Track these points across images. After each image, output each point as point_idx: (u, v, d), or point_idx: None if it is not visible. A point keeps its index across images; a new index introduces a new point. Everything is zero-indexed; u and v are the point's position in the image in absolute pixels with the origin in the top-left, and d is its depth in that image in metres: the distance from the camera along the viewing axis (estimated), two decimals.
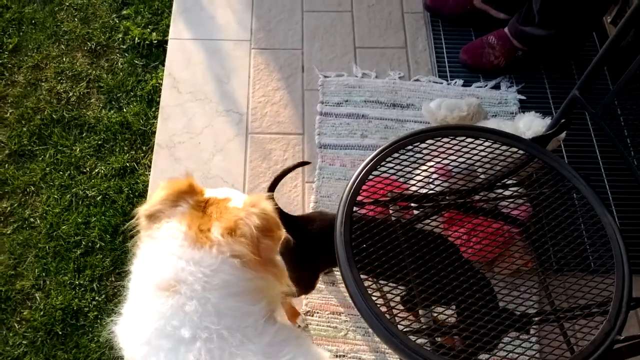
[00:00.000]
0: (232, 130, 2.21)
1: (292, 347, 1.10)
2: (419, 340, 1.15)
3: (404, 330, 1.17)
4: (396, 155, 1.40)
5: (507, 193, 1.46)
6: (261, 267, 1.14)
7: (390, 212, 1.36)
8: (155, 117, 2.29)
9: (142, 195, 2.13)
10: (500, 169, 1.41)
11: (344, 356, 1.76)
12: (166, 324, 1.06)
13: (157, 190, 1.22)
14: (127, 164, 2.21)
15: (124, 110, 2.34)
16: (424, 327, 1.18)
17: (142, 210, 1.20)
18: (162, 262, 1.11)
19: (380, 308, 1.18)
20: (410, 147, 1.41)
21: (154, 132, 2.25)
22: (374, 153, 1.38)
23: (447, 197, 1.44)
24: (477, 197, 1.49)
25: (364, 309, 1.18)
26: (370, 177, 1.34)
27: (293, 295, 1.40)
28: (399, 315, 1.21)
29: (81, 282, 1.97)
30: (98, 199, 2.13)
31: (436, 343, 1.16)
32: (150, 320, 1.07)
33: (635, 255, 1.92)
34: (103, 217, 2.09)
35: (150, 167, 2.17)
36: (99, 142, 2.26)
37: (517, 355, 1.15)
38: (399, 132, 2.16)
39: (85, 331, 1.89)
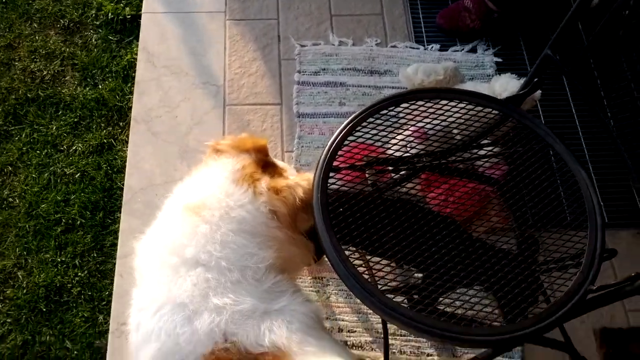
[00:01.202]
0: (209, 103, 2.20)
1: (287, 298, 1.15)
2: (396, 299, 1.17)
3: (382, 289, 1.19)
4: (371, 120, 1.40)
5: (482, 153, 1.47)
6: (290, 228, 1.26)
7: (367, 175, 1.37)
8: (131, 93, 2.27)
9: (120, 171, 2.11)
10: (475, 130, 1.42)
11: (327, 318, 1.78)
12: (177, 240, 1.15)
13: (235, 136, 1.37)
14: (105, 141, 2.19)
15: (100, 86, 2.32)
16: (400, 285, 1.20)
17: (212, 142, 1.36)
18: (200, 187, 1.24)
19: (359, 269, 1.20)
20: (385, 111, 1.41)
21: (131, 108, 2.23)
22: (350, 118, 1.39)
23: (423, 159, 1.45)
24: (453, 158, 1.50)
25: (341, 270, 1.19)
26: (347, 142, 1.35)
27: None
28: (376, 275, 1.23)
29: (63, 259, 1.97)
30: (76, 176, 2.12)
31: (413, 300, 1.18)
32: (167, 235, 1.19)
33: (611, 210, 1.96)
34: (82, 194, 2.08)
35: (127, 142, 2.15)
36: (75, 120, 2.24)
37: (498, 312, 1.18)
38: (377, 99, 2.15)
39: (70, 307, 1.90)
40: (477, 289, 1.19)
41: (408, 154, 1.45)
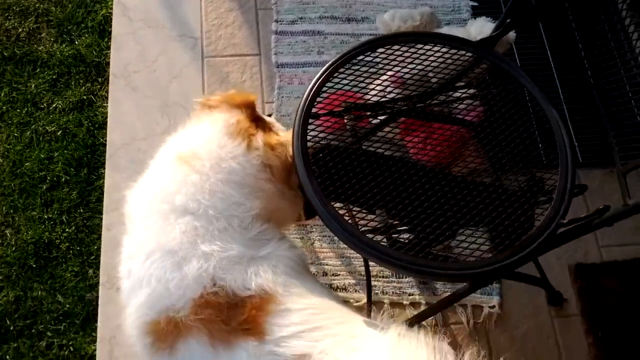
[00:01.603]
0: (187, 56, 2.19)
1: (273, 245, 1.20)
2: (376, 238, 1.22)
3: (362, 230, 1.23)
4: (349, 66, 1.42)
5: (457, 95, 1.50)
6: (284, 183, 1.30)
7: (345, 121, 1.40)
8: (109, 48, 2.25)
9: (102, 127, 2.12)
10: (450, 73, 1.44)
11: (312, 263, 1.84)
12: (168, 188, 1.19)
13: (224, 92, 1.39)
14: (84, 97, 2.18)
15: (76, 42, 2.29)
16: (379, 226, 1.24)
17: (202, 99, 1.38)
18: (192, 138, 1.27)
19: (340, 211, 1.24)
20: (362, 57, 1.43)
21: (108, 63, 2.22)
22: (327, 64, 1.41)
23: (400, 104, 1.47)
24: (430, 102, 1.53)
25: (323, 213, 1.23)
26: (325, 89, 1.37)
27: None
28: (357, 217, 1.27)
29: (50, 215, 1.99)
30: (58, 133, 2.12)
31: (392, 239, 1.23)
32: (158, 183, 1.22)
33: (585, 149, 2.01)
34: (65, 151, 2.09)
35: (107, 98, 2.15)
36: (54, 77, 2.23)
37: (472, 246, 1.23)
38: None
39: (59, 262, 1.93)
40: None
41: (385, 99, 1.48)
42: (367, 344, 1.06)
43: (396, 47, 1.42)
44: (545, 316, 1.81)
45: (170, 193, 1.18)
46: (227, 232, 1.16)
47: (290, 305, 1.11)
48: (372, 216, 1.28)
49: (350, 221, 1.26)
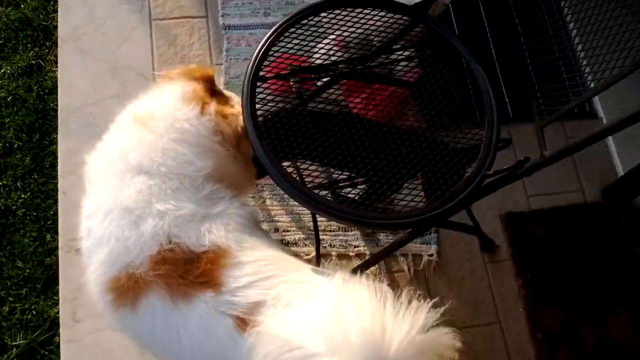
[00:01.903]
0: (135, 18, 2.21)
1: (224, 203, 1.26)
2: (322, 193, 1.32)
3: (309, 186, 1.33)
4: (293, 30, 1.49)
5: (393, 57, 1.60)
6: (234, 148, 1.36)
7: (291, 84, 1.48)
8: (55, 11, 2.24)
9: (52, 92, 2.13)
10: (388, 35, 1.54)
11: (264, 221, 1.94)
12: (124, 148, 1.25)
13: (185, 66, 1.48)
14: (33, 62, 2.19)
15: (22, 6, 2.28)
16: (324, 182, 1.34)
17: (163, 73, 1.45)
18: (149, 102, 1.33)
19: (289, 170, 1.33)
20: (305, 21, 1.50)
21: (56, 27, 2.22)
22: (273, 29, 1.47)
23: (341, 66, 1.56)
24: (370, 64, 1.62)
25: (272, 172, 1.32)
26: (271, 52, 1.44)
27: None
28: (304, 174, 1.37)
29: (4, 182, 2.02)
30: (9, 99, 2.13)
31: (336, 194, 1.33)
32: (115, 144, 1.28)
33: (517, 105, 2.16)
34: (16, 117, 2.10)
35: (56, 62, 2.16)
36: (0, 42, 2.21)
37: (408, 197, 1.34)
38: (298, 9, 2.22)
39: (17, 228, 1.96)
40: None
41: (328, 62, 1.56)
42: (315, 288, 1.15)
43: (338, 11, 1.49)
44: (480, 262, 1.97)
45: (126, 152, 1.24)
46: (180, 191, 1.22)
47: (243, 258, 1.18)
48: (318, 173, 1.37)
49: (294, 173, 1.35)
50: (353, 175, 1.38)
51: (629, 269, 1.94)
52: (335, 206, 1.29)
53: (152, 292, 1.15)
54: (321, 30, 1.53)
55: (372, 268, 1.90)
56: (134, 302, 1.17)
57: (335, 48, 1.73)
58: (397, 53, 1.58)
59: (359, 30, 1.53)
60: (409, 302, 1.08)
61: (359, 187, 1.47)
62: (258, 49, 1.43)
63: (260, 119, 1.36)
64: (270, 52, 1.43)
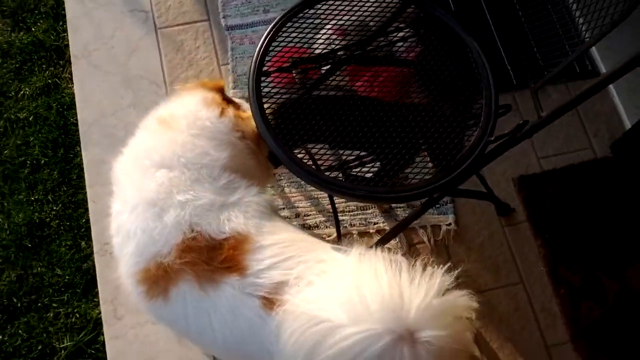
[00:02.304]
0: (141, 30, 2.30)
1: (241, 191, 1.34)
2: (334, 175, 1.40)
3: (322, 169, 1.41)
4: (290, 24, 1.56)
5: (390, 38, 1.65)
6: (254, 145, 1.45)
7: (294, 75, 1.55)
8: (65, 31, 2.34)
9: (70, 107, 2.23)
10: (381, 19, 1.59)
11: (284, 208, 2.02)
12: (148, 146, 1.35)
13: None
14: (49, 81, 2.29)
15: (33, 29, 2.38)
16: (334, 164, 1.41)
17: (178, 87, 1.55)
18: (172, 106, 1.43)
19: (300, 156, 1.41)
20: (301, 14, 1.57)
21: (67, 46, 2.31)
22: (271, 25, 1.55)
23: (340, 53, 1.62)
24: (367, 48, 1.68)
25: (285, 160, 1.40)
26: (272, 48, 1.51)
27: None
28: (315, 158, 1.44)
29: (36, 197, 2.13)
30: (30, 119, 2.24)
31: (347, 174, 1.41)
32: (141, 144, 1.38)
33: (519, 72, 2.19)
34: (40, 135, 2.21)
35: (72, 79, 2.26)
36: (17, 65, 2.33)
37: (416, 171, 1.41)
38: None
39: (52, 238, 2.08)
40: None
41: (327, 50, 1.62)
42: (333, 265, 1.23)
43: (331, 1, 1.55)
44: (497, 226, 2.03)
45: (150, 149, 1.34)
46: (198, 182, 1.30)
47: (263, 242, 1.25)
48: (328, 156, 1.44)
49: (305, 158, 1.42)
50: (363, 154, 1.45)
51: None
52: (347, 185, 1.37)
53: (181, 280, 1.23)
54: (317, 21, 1.59)
55: (392, 242, 1.97)
56: (165, 291, 1.24)
57: (334, 36, 1.80)
58: (393, 34, 1.63)
59: (354, 17, 1.59)
60: (424, 269, 1.14)
61: (373, 165, 1.53)
62: (259, 45, 1.50)
63: (268, 111, 1.44)
64: (271, 48, 1.50)
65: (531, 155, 2.12)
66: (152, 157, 1.32)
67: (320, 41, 1.64)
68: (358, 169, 1.42)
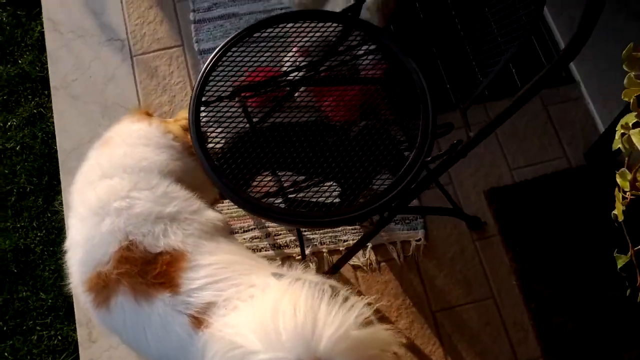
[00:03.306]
0: (118, 57, 2.36)
1: (179, 203, 1.39)
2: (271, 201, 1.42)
3: (257, 196, 1.43)
4: (230, 54, 1.58)
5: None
6: (184, 139, 1.53)
7: (234, 103, 1.56)
8: None
9: (54, 136, 2.31)
10: (323, 43, 1.61)
11: (254, 228, 2.05)
12: (93, 164, 1.45)
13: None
14: (35, 111, 2.37)
15: (20, 61, 2.47)
16: (271, 190, 1.43)
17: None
18: (111, 130, 1.54)
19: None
20: (241, 43, 1.60)
21: None
22: (212, 55, 1.58)
23: (282, 79, 1.64)
24: (319, 72, 1.70)
25: (222, 187, 1.43)
26: (211, 78, 1.54)
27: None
28: (253, 186, 1.46)
29: (22, 224, 2.21)
30: (17, 148, 2.32)
31: (288, 200, 1.42)
32: (86, 165, 1.48)
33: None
34: (26, 164, 2.29)
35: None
36: (4, 97, 2.42)
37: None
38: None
39: (37, 264, 2.15)
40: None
41: (280, 73, 1.64)
42: (262, 290, 1.24)
43: (270, 29, 1.58)
44: (468, 240, 2.01)
45: (94, 165, 1.43)
46: (136, 189, 1.36)
47: (200, 262, 1.29)
48: (266, 182, 1.46)
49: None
50: (300, 179, 1.46)
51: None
52: (285, 211, 1.38)
53: (119, 291, 1.27)
54: (257, 48, 1.60)
55: (362, 259, 1.97)
56: (107, 300, 1.29)
57: (296, 55, 1.82)
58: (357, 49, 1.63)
59: (301, 43, 1.61)
60: (345, 300, 1.15)
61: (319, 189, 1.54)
62: (199, 76, 1.53)
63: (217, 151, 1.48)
64: (211, 78, 1.53)
65: (503, 166, 2.09)
66: (96, 172, 1.41)
67: (288, 63, 1.66)
68: (295, 194, 1.43)
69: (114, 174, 1.39)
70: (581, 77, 2.17)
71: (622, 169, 0.82)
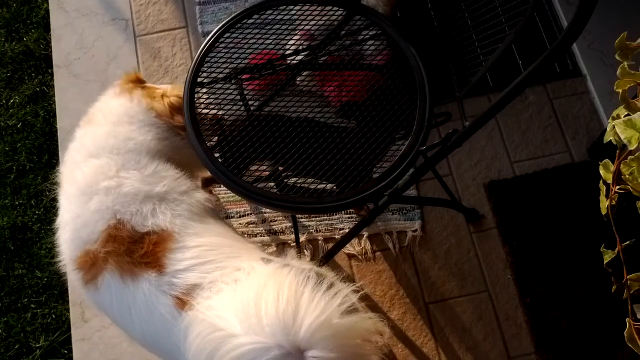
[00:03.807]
0: (121, 37, 2.35)
1: (168, 182, 1.38)
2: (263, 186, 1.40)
3: (250, 180, 1.41)
4: (228, 35, 1.56)
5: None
6: (168, 119, 1.50)
7: (229, 85, 1.55)
8: None
9: (55, 115, 2.31)
10: (327, 28, 1.59)
11: (251, 214, 2.03)
12: (79, 143, 1.44)
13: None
14: (37, 89, 2.37)
15: (25, 39, 2.47)
16: (263, 174, 1.41)
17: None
18: (95, 104, 1.55)
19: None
20: (239, 25, 1.58)
21: None
22: (208, 37, 1.56)
23: (290, 59, 1.62)
24: (318, 56, 1.67)
25: (214, 170, 1.41)
26: (208, 59, 1.53)
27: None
28: (246, 171, 1.45)
29: (20, 201, 2.21)
30: (19, 126, 2.32)
31: (283, 184, 1.41)
32: (73, 145, 1.46)
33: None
34: (27, 141, 2.29)
35: None
36: (8, 74, 2.42)
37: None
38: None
39: (34, 241, 2.16)
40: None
41: (278, 55, 1.62)
42: (248, 274, 1.23)
43: (270, 11, 1.56)
44: (465, 233, 1.99)
45: (80, 146, 1.42)
46: (124, 169, 1.36)
47: (187, 243, 1.28)
48: (257, 166, 1.45)
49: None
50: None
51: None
52: (277, 196, 1.37)
53: (107, 269, 1.27)
54: (255, 31, 1.59)
55: (358, 248, 1.96)
56: (95, 278, 1.29)
57: (300, 40, 1.80)
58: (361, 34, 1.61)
59: (302, 26, 1.59)
60: (330, 287, 1.13)
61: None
62: (195, 57, 1.52)
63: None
64: (208, 59, 1.52)
65: (504, 159, 2.06)
66: (81, 152, 1.40)
67: (293, 48, 1.64)
68: (287, 180, 1.42)
69: (100, 153, 1.38)
70: (588, 71, 2.13)
71: (605, 160, 0.79)
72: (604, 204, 0.80)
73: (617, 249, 0.86)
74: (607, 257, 0.86)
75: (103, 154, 1.37)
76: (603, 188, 0.80)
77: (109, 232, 1.28)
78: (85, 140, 1.42)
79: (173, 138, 1.48)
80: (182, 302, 1.20)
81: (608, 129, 0.83)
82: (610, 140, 0.86)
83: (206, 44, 1.54)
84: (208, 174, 1.65)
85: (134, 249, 1.27)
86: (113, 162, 1.36)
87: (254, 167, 1.44)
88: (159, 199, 1.34)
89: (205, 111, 1.48)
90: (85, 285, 1.33)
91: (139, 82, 1.57)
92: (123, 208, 1.30)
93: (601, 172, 0.80)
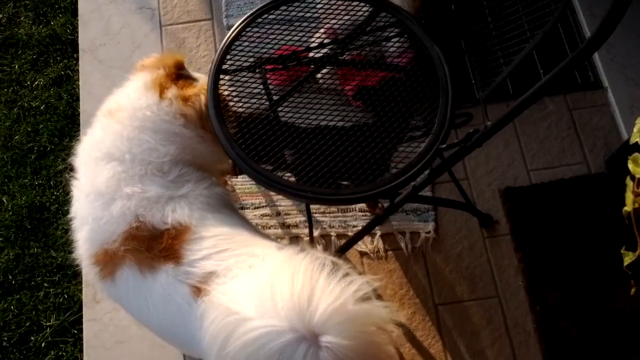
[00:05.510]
0: (147, 26, 2.38)
1: (191, 185, 1.39)
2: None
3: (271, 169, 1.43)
4: (254, 25, 1.58)
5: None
6: (200, 129, 1.47)
7: (254, 75, 1.56)
8: None
9: (79, 98, 2.34)
10: (352, 23, 1.60)
11: (266, 206, 2.05)
12: (98, 138, 1.42)
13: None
14: (62, 72, 2.41)
15: (52, 23, 2.51)
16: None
17: (139, 62, 1.62)
18: (118, 96, 1.50)
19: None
20: (266, 15, 1.59)
21: None
22: (235, 25, 1.58)
23: (302, 55, 1.63)
24: (342, 52, 1.69)
25: (235, 157, 1.43)
26: (233, 47, 1.54)
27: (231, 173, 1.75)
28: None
29: (40, 182, 2.24)
30: (42, 108, 2.36)
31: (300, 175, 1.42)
32: (92, 136, 1.45)
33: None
34: (49, 123, 2.33)
35: None
36: (34, 57, 2.45)
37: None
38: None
39: (51, 222, 2.19)
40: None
41: (302, 48, 1.63)
42: (263, 261, 1.25)
43: (297, 3, 1.57)
44: (478, 237, 1.99)
45: (99, 142, 1.41)
46: (146, 177, 1.36)
47: (203, 234, 1.30)
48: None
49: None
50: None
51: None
52: (294, 186, 1.38)
53: (125, 265, 1.30)
54: (283, 22, 1.60)
55: (370, 246, 1.97)
56: (112, 273, 1.32)
57: (324, 36, 1.81)
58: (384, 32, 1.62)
59: (325, 20, 1.60)
60: (345, 275, 1.14)
61: None
62: (222, 45, 1.54)
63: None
64: (233, 47, 1.53)
65: (520, 167, 2.06)
66: (101, 150, 1.39)
67: (317, 42, 1.65)
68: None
69: (122, 160, 1.37)
70: (609, 83, 2.13)
71: (635, 154, 0.80)
72: (630, 199, 0.80)
73: (638, 251, 0.86)
74: (628, 259, 0.86)
75: (125, 161, 1.37)
76: (630, 184, 0.80)
77: (130, 232, 1.31)
78: (106, 138, 1.40)
79: (196, 146, 1.47)
80: (198, 290, 1.22)
81: (635, 130, 0.83)
82: (637, 141, 0.87)
83: (234, 30, 1.56)
84: (227, 167, 1.67)
85: (154, 245, 1.29)
86: (135, 171, 1.36)
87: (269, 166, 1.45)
88: (180, 198, 1.36)
89: (226, 93, 1.48)
90: (101, 279, 1.35)
91: (177, 69, 1.52)
92: (146, 211, 1.32)
93: (630, 166, 0.81)
